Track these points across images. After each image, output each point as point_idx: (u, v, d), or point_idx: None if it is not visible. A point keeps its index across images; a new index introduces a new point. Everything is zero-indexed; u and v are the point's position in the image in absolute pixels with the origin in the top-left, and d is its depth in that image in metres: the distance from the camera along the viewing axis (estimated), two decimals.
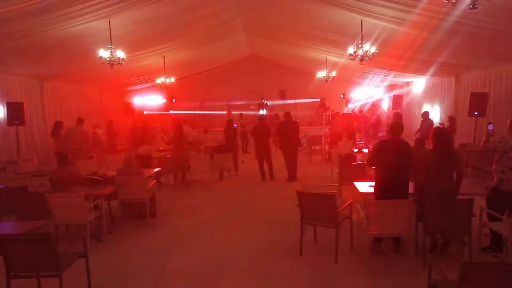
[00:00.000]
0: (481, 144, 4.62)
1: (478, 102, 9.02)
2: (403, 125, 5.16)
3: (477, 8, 4.06)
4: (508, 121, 4.63)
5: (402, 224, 4.30)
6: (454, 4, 4.26)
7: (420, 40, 7.88)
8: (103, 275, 4.39)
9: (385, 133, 8.98)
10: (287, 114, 10.00)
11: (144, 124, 12.51)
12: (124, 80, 14.28)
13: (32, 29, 6.86)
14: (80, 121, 9.67)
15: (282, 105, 17.81)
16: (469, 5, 4.04)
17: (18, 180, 6.79)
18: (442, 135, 4.58)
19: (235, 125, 13.14)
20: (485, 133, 4.77)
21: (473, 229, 4.34)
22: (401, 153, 4.66)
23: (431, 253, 4.64)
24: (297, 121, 10.44)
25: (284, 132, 9.45)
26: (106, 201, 6.16)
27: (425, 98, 13.67)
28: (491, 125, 4.80)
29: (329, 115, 16.93)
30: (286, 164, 9.46)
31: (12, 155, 9.42)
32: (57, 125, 9.35)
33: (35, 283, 3.71)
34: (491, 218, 4.58)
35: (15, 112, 9.28)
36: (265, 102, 17.62)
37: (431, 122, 10.72)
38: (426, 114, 11.04)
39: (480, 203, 4.73)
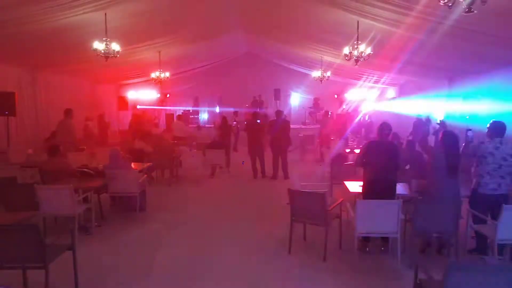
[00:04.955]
0: (461, 150, 4.70)
1: (467, 107, 9.13)
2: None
3: (473, 11, 4.08)
4: (487, 126, 4.69)
5: (390, 224, 4.34)
6: (450, 7, 4.28)
7: (414, 42, 7.92)
8: (91, 268, 4.37)
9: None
10: (278, 113, 10.00)
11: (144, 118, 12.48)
12: (118, 73, 14.17)
13: (25, 18, 6.76)
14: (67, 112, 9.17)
15: (276, 103, 17.83)
16: (465, 8, 4.05)
17: (7, 171, 6.70)
18: (452, 137, 4.60)
19: (234, 123, 13.13)
20: (464, 139, 4.85)
21: (460, 231, 4.40)
22: (389, 154, 4.70)
23: (422, 253, 4.69)
24: (289, 120, 10.44)
25: (274, 131, 9.46)
26: (96, 194, 6.13)
27: (417, 101, 13.75)
28: (471, 131, 4.89)
29: (320, 114, 16.94)
30: (273, 162, 9.49)
31: (1, 145, 9.32)
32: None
33: (21, 275, 3.68)
34: (476, 220, 4.65)
35: (6, 102, 9.16)
36: (260, 99, 17.62)
37: (426, 126, 10.79)
38: (420, 119, 11.15)
39: (467, 205, 4.79)
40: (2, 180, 5.61)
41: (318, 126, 13.54)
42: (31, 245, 3.41)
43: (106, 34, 7.90)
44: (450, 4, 4.33)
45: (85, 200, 5.61)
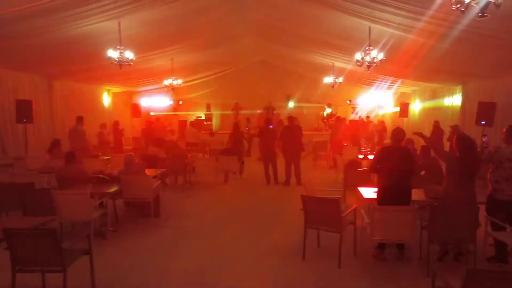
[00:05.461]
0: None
1: (485, 112, 8.96)
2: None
3: (486, 16, 4.04)
4: (504, 130, 4.60)
5: (406, 231, 4.28)
6: (462, 12, 4.24)
7: (427, 48, 7.87)
8: (107, 273, 4.42)
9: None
10: (291, 119, 9.97)
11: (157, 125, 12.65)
12: (132, 81, 14.39)
13: (42, 28, 6.93)
14: (78, 119, 9.68)
15: (288, 109, 17.86)
16: (478, 13, 4.02)
17: (25, 177, 6.84)
18: (468, 142, 4.50)
19: (247, 129, 13.18)
20: (480, 145, 4.76)
21: (479, 239, 4.32)
22: (403, 160, 4.64)
23: (439, 261, 4.61)
24: (301, 126, 10.43)
25: (286, 137, 9.45)
26: (111, 200, 6.21)
27: (432, 106, 13.64)
28: (486, 137, 4.81)
29: (332, 120, 16.84)
30: (286, 168, 9.47)
31: (20, 152, 9.53)
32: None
33: (40, 278, 3.75)
34: (494, 227, 4.56)
35: (24, 110, 9.39)
36: (272, 106, 17.67)
37: (441, 131, 10.69)
38: (436, 123, 11.09)
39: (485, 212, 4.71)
40: (20, 186, 5.73)
41: (331, 132, 13.49)
42: (50, 249, 3.48)
43: (120, 43, 8.05)
44: (462, 9, 4.30)
45: (101, 205, 5.69)
